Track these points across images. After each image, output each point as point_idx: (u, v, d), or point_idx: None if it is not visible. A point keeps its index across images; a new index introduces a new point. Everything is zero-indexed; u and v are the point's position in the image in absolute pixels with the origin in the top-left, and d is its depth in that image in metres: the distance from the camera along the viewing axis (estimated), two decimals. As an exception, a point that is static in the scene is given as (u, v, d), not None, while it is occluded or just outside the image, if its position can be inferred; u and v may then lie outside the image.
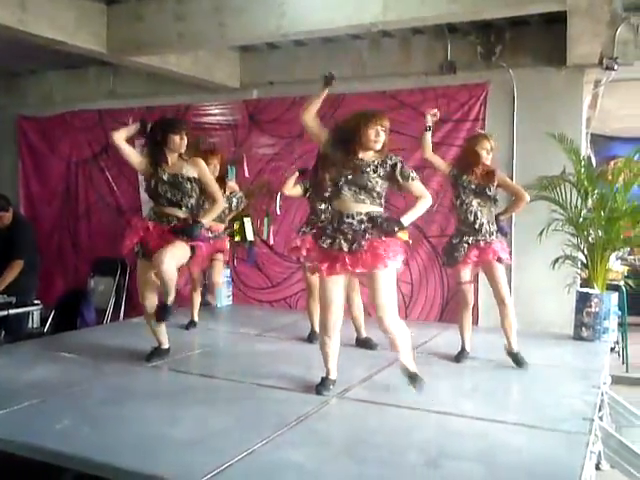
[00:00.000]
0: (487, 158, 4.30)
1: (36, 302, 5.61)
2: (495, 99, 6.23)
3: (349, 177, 3.41)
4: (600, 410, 3.61)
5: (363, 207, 3.43)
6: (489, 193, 4.27)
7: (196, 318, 5.49)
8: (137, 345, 4.57)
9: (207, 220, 4.09)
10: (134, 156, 4.07)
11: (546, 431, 3.04)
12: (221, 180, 5.07)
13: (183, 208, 4.02)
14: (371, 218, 3.42)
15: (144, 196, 7.71)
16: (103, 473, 2.56)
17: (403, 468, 2.65)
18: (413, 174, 3.48)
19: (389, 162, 3.46)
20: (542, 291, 5.91)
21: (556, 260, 5.37)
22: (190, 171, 4.03)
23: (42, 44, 5.66)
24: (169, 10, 5.58)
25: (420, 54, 6.54)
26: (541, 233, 5.28)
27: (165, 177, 3.99)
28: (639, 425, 3.96)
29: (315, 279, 4.43)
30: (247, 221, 6.19)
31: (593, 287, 5.24)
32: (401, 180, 3.44)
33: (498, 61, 6.20)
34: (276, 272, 7.11)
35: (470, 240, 4.27)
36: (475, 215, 4.27)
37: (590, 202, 5.37)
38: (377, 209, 3.48)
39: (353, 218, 3.41)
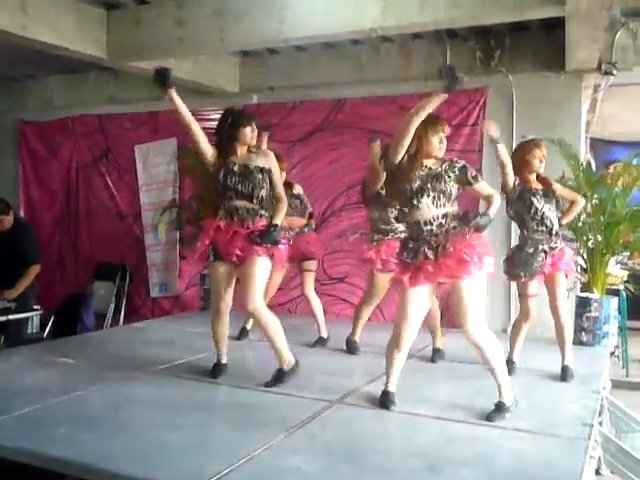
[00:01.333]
0: (540, 167, 4.14)
1: (36, 307, 5.61)
2: (494, 104, 6.25)
3: (428, 185, 3.36)
4: (600, 415, 3.61)
5: (441, 211, 3.35)
6: (556, 198, 4.16)
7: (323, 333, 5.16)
8: (137, 350, 4.59)
9: (278, 220, 3.84)
10: (205, 144, 3.96)
11: (546, 436, 3.04)
12: (287, 185, 4.89)
13: (254, 200, 3.82)
14: (454, 216, 3.36)
15: (144, 201, 7.77)
16: (103, 479, 2.56)
17: (403, 474, 2.65)
18: (479, 175, 3.48)
19: (457, 166, 3.42)
20: (542, 296, 5.89)
21: (556, 265, 5.37)
22: (260, 161, 3.88)
23: (42, 49, 5.68)
24: (169, 15, 5.60)
25: (420, 59, 6.56)
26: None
27: (235, 168, 3.84)
28: (639, 430, 3.96)
29: (382, 287, 4.44)
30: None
31: (593, 292, 5.25)
32: (472, 182, 3.41)
33: (497, 66, 6.22)
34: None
35: (546, 248, 4.09)
36: (550, 221, 4.11)
37: (589, 207, 5.37)
38: (453, 210, 3.42)
39: (432, 224, 3.33)
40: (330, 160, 6.76)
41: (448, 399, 3.62)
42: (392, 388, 3.49)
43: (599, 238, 5.27)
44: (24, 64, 7.72)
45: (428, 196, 3.33)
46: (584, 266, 5.42)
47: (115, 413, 3.27)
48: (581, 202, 4.38)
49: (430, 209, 3.33)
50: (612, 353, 5.36)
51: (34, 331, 6.22)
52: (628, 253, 7.21)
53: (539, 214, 4.09)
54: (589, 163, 7.36)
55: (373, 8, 4.81)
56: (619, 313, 5.75)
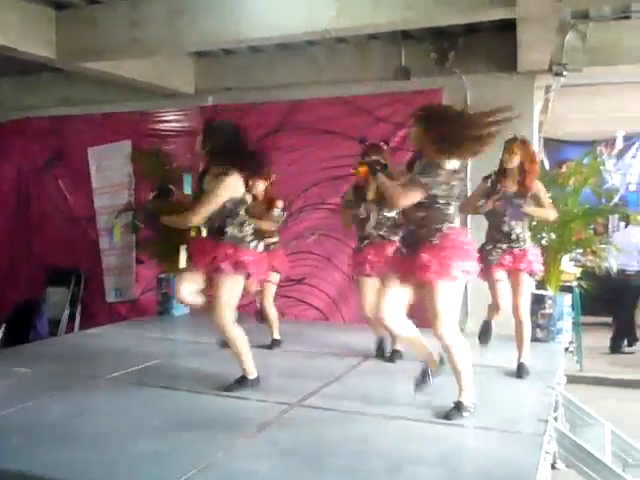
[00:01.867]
0: (510, 161, 4.20)
1: (-14, 315, 5.46)
2: (449, 104, 6.29)
3: None
4: (555, 410, 3.68)
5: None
6: (522, 202, 4.19)
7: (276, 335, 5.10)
8: (93, 357, 4.50)
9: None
10: None
11: (502, 433, 3.08)
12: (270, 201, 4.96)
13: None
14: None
15: (99, 204, 7.63)
16: (57, 491, 2.50)
17: (364, 475, 2.66)
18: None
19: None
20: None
21: (511, 263, 5.45)
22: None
23: (-8, 51, 5.53)
24: (123, 15, 5.50)
25: (375, 60, 6.60)
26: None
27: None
28: (592, 424, 4.05)
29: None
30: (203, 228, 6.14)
31: (547, 289, 5.34)
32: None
33: (452, 67, 6.29)
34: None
35: (504, 247, 4.22)
36: (510, 226, 4.22)
37: (543, 205, 5.46)
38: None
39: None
40: (288, 162, 6.73)
41: (407, 399, 3.64)
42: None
43: (552, 236, 5.37)
44: (-27, 65, 7.50)
45: None
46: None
47: (71, 423, 3.20)
48: (552, 216, 4.37)
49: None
50: (566, 349, 5.46)
51: (-15, 340, 6.08)
52: (581, 250, 7.38)
53: (499, 216, 4.23)
54: (542, 162, 7.50)
55: (327, 9, 4.81)
56: (573, 309, 5.87)
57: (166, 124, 7.40)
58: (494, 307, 4.46)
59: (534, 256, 4.24)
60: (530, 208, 4.22)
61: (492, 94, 6.12)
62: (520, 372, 4.15)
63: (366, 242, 4.54)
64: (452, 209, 3.31)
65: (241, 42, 5.75)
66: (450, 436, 3.07)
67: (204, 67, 7.26)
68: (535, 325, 5.24)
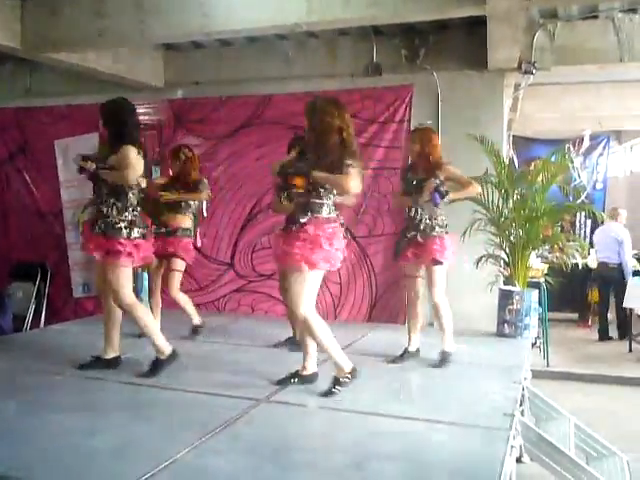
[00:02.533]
0: (411, 149, 4.38)
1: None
2: (420, 101, 6.34)
3: None
4: (521, 405, 3.70)
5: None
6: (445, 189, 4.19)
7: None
8: (58, 353, 4.41)
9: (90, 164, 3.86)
10: None
11: (468, 427, 3.09)
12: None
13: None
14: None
15: (65, 198, 7.49)
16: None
17: (329, 471, 2.63)
18: None
19: None
20: (466, 289, 6.02)
21: (479, 259, 5.50)
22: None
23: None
24: (88, 6, 5.41)
25: (346, 55, 6.59)
26: (464, 233, 5.39)
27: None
28: (557, 418, 4.09)
29: None
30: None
31: (515, 285, 5.39)
32: None
33: (422, 64, 6.31)
34: (204, 275, 7.00)
35: (409, 235, 4.28)
36: (416, 211, 4.27)
37: (511, 202, 5.52)
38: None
39: None
40: (257, 156, 6.70)
41: (371, 394, 3.64)
42: None
43: (520, 233, 5.42)
44: None
45: None
46: (506, 260, 5.56)
47: (31, 420, 3.12)
48: (475, 190, 4.41)
49: None
50: (533, 344, 5.52)
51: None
52: (548, 247, 7.48)
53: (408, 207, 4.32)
54: (511, 160, 7.58)
55: (297, 3, 4.79)
56: (540, 305, 5.94)
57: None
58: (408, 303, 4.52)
59: (439, 244, 4.24)
60: (455, 193, 4.25)
61: (463, 91, 6.20)
62: (441, 360, 4.28)
63: None
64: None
65: (209, 35, 5.70)
66: (416, 431, 3.06)
67: (173, 60, 7.18)
68: (502, 320, 5.31)
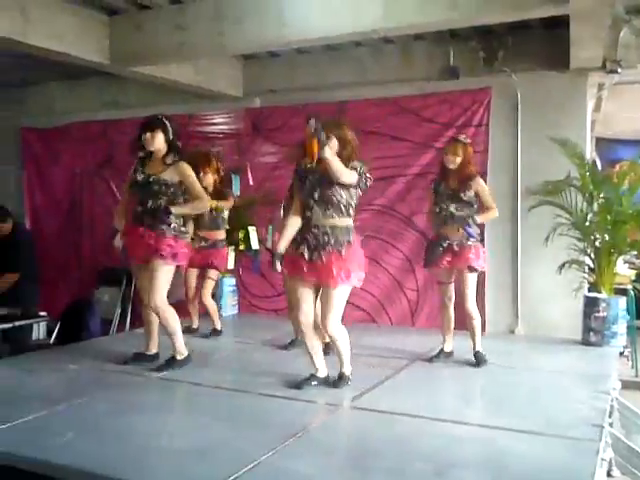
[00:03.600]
0: (452, 161, 4.35)
1: (42, 314, 5.60)
2: (498, 104, 6.22)
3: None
4: (610, 416, 3.56)
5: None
6: (464, 198, 4.34)
7: (195, 325, 5.56)
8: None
9: (177, 210, 4.06)
10: None
11: (554, 438, 3.00)
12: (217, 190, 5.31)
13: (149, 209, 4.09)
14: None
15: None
16: (107, 487, 2.54)
17: (409, 478, 2.62)
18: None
19: None
20: (549, 296, 5.88)
21: (562, 265, 5.33)
22: (167, 175, 4.07)
23: (44, 55, 5.67)
24: (169, 20, 5.58)
25: (421, 60, 6.55)
26: (547, 238, 5.25)
27: (140, 178, 4.11)
28: (649, 431, 3.91)
29: None
30: (252, 230, 6.19)
31: (600, 291, 5.20)
32: None
33: (501, 66, 6.18)
34: (281, 280, 7.07)
35: (445, 244, 4.36)
36: (454, 219, 4.35)
37: (595, 206, 5.33)
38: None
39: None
40: (334, 162, 6.72)
41: (450, 401, 3.59)
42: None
43: (606, 237, 5.22)
44: (26, 70, 7.73)
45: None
46: (591, 266, 5.37)
47: (120, 419, 3.24)
48: (493, 214, 4.46)
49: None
50: (621, 353, 5.29)
51: (40, 337, 6.23)
52: (635, 252, 7.16)
53: (442, 213, 4.38)
54: (595, 162, 7.32)
55: (373, 10, 4.78)
56: (627, 313, 5.69)
57: (214, 126, 7.49)
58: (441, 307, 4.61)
59: (474, 253, 4.31)
60: (480, 216, 4.40)
61: (543, 93, 6.05)
62: (477, 360, 4.36)
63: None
64: None
65: (286, 45, 5.77)
66: (498, 439, 3.00)
67: (251, 69, 7.32)
68: (588, 329, 5.12)
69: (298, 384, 3.75)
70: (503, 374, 4.23)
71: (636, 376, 6.46)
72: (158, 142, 4.08)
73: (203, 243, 5.32)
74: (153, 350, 4.38)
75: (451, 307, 4.55)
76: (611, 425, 3.58)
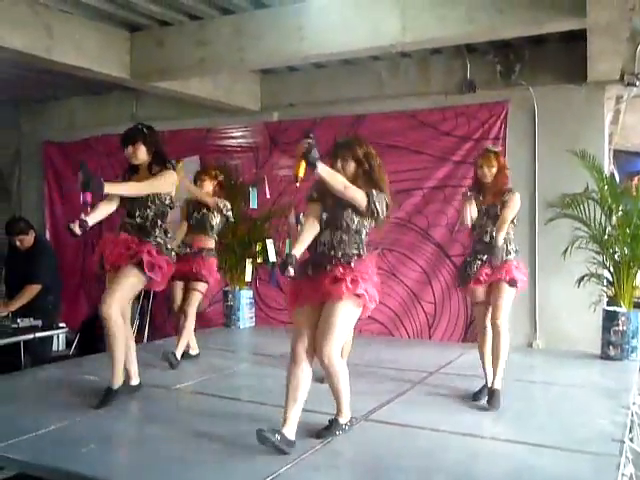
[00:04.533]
0: (486, 174, 4.10)
1: (61, 325, 5.65)
2: (515, 117, 6.23)
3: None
4: (630, 431, 3.53)
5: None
6: (499, 213, 4.06)
7: (192, 350, 5.05)
8: (161, 367, 4.59)
9: (111, 189, 3.64)
10: None
11: (575, 453, 2.98)
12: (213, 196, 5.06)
13: (137, 219, 3.81)
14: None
15: (168, 219, 7.82)
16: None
17: (429, 491, 2.62)
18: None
19: None
20: (567, 309, 5.84)
21: (581, 278, 5.31)
22: None
23: (67, 71, 5.78)
24: (190, 35, 5.67)
25: (439, 74, 6.58)
26: (565, 251, 5.23)
27: None
28: (671, 446, 3.87)
29: None
30: (269, 243, 6.24)
31: (620, 305, 5.16)
32: None
33: (518, 79, 6.20)
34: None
35: (484, 258, 4.07)
36: (491, 237, 4.06)
37: (614, 219, 5.31)
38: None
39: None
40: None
41: (469, 415, 3.58)
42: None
43: (625, 251, 5.19)
44: (48, 86, 7.87)
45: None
46: (610, 279, 5.34)
47: (139, 431, 3.28)
48: (503, 227, 3.98)
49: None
50: (641, 368, 5.25)
51: (60, 349, 6.28)
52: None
53: (480, 229, 4.11)
54: (613, 175, 7.29)
55: (392, 24, 4.82)
56: (647, 327, 5.64)
57: (232, 140, 7.56)
58: (479, 333, 4.15)
59: (515, 266, 4.03)
60: (498, 237, 3.95)
61: (561, 106, 6.04)
62: (490, 400, 3.81)
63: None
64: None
65: (305, 59, 5.83)
66: (518, 454, 2.99)
67: (269, 84, 7.39)
68: (607, 342, 5.09)
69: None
70: (522, 388, 4.21)
71: (656, 391, 6.38)
72: (141, 154, 3.80)
73: (187, 250, 4.91)
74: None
75: (487, 338, 4.06)
76: (632, 440, 3.55)
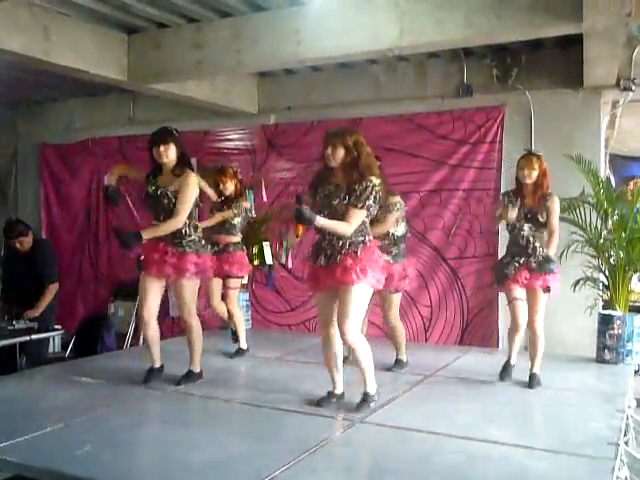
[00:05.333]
0: (528, 176, 4.26)
1: (57, 327, 5.66)
2: (512, 121, 6.25)
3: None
4: (625, 435, 3.54)
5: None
6: (541, 220, 4.25)
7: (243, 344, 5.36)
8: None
9: (148, 235, 3.97)
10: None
11: (570, 456, 2.99)
12: (232, 199, 5.26)
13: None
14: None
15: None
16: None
17: (426, 494, 2.62)
18: (360, 202, 3.49)
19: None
20: (563, 313, 5.84)
21: (577, 282, 5.32)
22: (173, 187, 4.05)
23: (64, 73, 5.78)
24: (187, 38, 5.67)
25: (436, 77, 6.60)
26: (561, 255, 5.24)
27: (150, 191, 4.13)
28: (666, 450, 3.88)
29: None
30: (266, 245, 6.24)
31: (615, 309, 5.18)
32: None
33: (514, 83, 6.23)
34: (295, 295, 7.11)
35: (521, 261, 4.27)
36: (527, 240, 4.29)
37: (610, 223, 5.32)
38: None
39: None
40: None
41: (465, 418, 3.58)
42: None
43: (621, 255, 5.21)
44: (46, 88, 7.88)
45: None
46: (606, 283, 5.36)
47: (135, 432, 3.28)
48: (555, 237, 4.24)
49: None
50: (636, 371, 5.26)
51: (56, 351, 6.28)
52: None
53: (516, 232, 4.33)
54: (609, 179, 7.31)
55: (390, 28, 4.83)
56: (643, 331, 5.65)
57: (229, 142, 7.57)
58: (513, 327, 4.46)
59: (551, 275, 4.22)
60: (549, 249, 4.21)
61: (557, 110, 6.06)
62: (531, 382, 4.24)
63: None
64: None
65: (302, 62, 5.83)
66: (515, 457, 2.99)
67: (266, 86, 7.40)
68: (603, 346, 5.10)
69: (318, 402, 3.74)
70: (518, 391, 4.21)
71: (652, 395, 6.40)
72: (172, 154, 4.06)
73: (215, 248, 5.11)
74: (158, 364, 4.36)
75: (520, 332, 4.42)
76: (626, 443, 3.56)
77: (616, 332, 5.04)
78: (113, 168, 4.43)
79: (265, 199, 7.02)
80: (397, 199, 4.63)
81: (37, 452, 2.96)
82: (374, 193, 3.48)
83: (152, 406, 3.82)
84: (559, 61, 6.07)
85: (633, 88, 5.79)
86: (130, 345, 7.27)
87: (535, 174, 4.26)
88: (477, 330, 6.34)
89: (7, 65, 6.28)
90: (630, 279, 5.30)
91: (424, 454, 3.04)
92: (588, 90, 5.93)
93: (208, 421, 3.54)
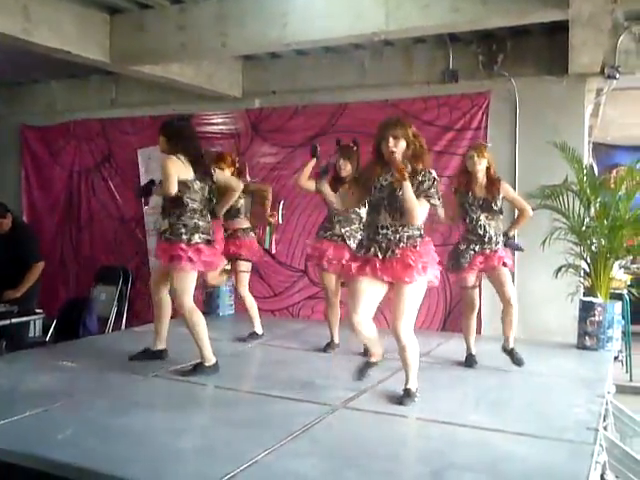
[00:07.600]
0: (478, 164, 4.37)
1: (38, 311, 5.61)
2: (497, 108, 6.25)
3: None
4: (604, 420, 3.59)
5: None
6: (495, 208, 4.38)
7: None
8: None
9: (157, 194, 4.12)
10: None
11: (550, 441, 3.02)
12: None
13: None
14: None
15: (146, 205, 7.75)
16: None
17: (407, 479, 2.63)
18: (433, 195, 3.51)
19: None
20: (545, 300, 5.90)
21: (559, 269, 5.36)
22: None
23: (45, 53, 5.68)
24: (171, 20, 5.60)
25: (422, 63, 6.58)
26: (544, 242, 5.27)
27: None
28: (644, 435, 3.94)
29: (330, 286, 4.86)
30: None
31: (596, 296, 5.22)
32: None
33: (500, 70, 6.22)
34: (278, 281, 7.10)
35: (477, 248, 4.39)
36: (484, 229, 4.39)
37: (593, 211, 5.36)
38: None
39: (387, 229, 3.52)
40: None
41: (448, 404, 3.61)
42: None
43: (603, 242, 5.25)
44: (27, 69, 7.74)
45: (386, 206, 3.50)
46: (588, 270, 5.40)
47: (118, 417, 3.25)
48: (528, 214, 4.53)
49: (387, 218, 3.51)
50: (616, 358, 5.33)
51: (37, 335, 6.23)
52: (631, 257, 7.21)
53: (473, 223, 4.41)
54: (592, 167, 7.36)
55: (376, 13, 4.81)
56: (623, 318, 5.72)
57: (213, 126, 7.50)
58: (467, 314, 4.58)
59: (505, 254, 4.41)
60: (513, 227, 4.62)
61: (542, 97, 6.07)
62: (516, 360, 4.37)
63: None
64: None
65: (287, 46, 5.78)
66: (496, 442, 3.02)
67: (251, 70, 7.34)
68: (584, 332, 5.16)
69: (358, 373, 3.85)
70: (499, 377, 4.25)
71: (630, 380, 6.50)
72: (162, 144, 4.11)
73: (225, 234, 5.17)
74: (159, 347, 4.39)
75: (474, 314, 4.57)
76: (605, 428, 3.61)
77: (597, 319, 5.09)
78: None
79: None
80: None
81: (15, 437, 2.93)
82: (436, 185, 3.49)
83: (135, 391, 3.79)
84: (544, 48, 6.07)
85: (617, 76, 5.80)
86: (112, 329, 7.23)
87: (484, 163, 4.37)
88: (460, 317, 6.35)
89: (-13, 45, 6.16)
90: (611, 266, 5.36)
91: (404, 439, 3.07)
92: (573, 77, 5.94)
93: (192, 406, 3.52)
